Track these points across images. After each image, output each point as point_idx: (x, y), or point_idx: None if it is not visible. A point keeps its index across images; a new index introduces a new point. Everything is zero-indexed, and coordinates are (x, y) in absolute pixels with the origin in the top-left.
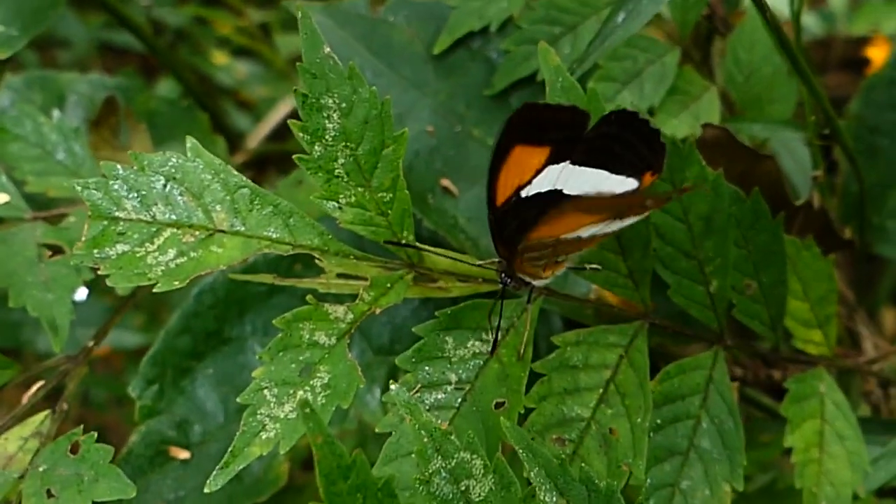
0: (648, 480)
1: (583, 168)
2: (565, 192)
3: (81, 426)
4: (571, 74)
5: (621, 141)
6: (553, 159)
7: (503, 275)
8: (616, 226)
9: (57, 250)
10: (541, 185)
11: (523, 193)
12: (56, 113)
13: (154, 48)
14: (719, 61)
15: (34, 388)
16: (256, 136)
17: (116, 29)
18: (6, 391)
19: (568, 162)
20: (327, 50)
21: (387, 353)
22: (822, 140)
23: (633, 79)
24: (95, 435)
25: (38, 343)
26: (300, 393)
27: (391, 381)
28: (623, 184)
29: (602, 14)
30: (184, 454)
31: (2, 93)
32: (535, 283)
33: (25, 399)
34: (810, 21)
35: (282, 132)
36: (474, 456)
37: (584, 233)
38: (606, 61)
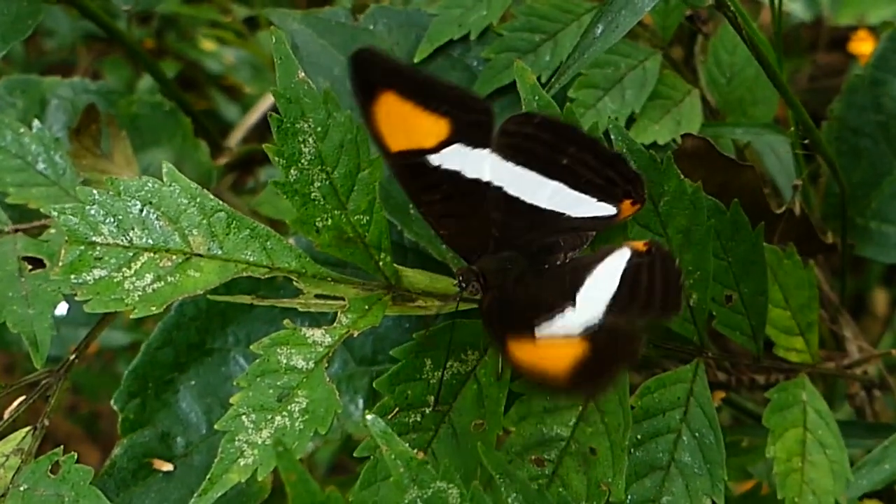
0: (629, 497)
1: (525, 171)
2: (510, 191)
3: (62, 447)
4: (551, 86)
5: (568, 154)
6: (461, 137)
7: (461, 279)
8: None
9: (37, 263)
10: (458, 163)
11: (433, 161)
12: (36, 123)
13: (131, 47)
14: (702, 59)
15: (15, 404)
16: (243, 127)
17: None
18: None
19: (495, 154)
20: (302, 74)
21: (369, 364)
22: (804, 148)
23: (614, 85)
24: (76, 455)
25: (24, 344)
26: (278, 419)
27: (368, 411)
28: (595, 207)
29: (582, 20)
30: (167, 467)
31: None
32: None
33: (6, 415)
34: (797, 7)
35: (268, 122)
36: (451, 485)
37: None
38: (588, 68)
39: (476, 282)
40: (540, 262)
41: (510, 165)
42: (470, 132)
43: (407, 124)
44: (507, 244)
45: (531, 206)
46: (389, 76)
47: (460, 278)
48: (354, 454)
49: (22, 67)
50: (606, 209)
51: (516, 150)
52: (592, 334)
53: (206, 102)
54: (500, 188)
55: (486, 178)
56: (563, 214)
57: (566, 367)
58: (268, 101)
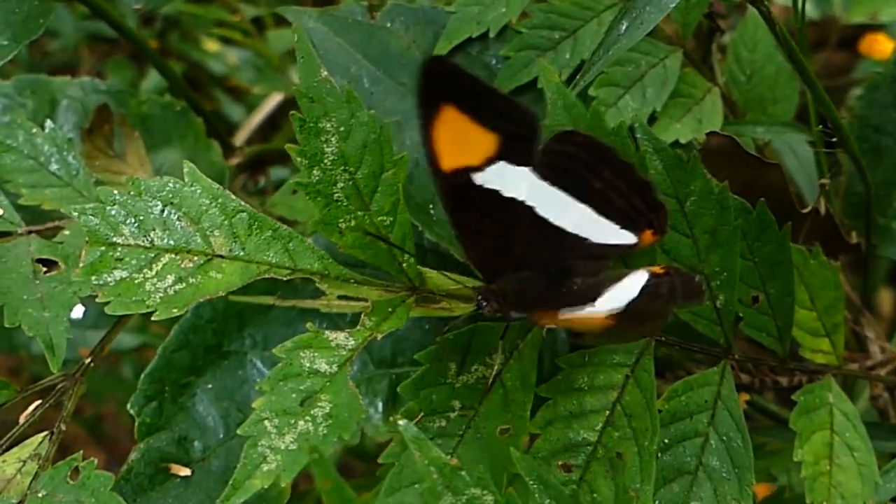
0: (657, 502)
1: (557, 191)
2: (540, 212)
3: (81, 452)
4: (575, 84)
5: (602, 179)
6: (507, 156)
7: (480, 297)
8: None
9: (52, 265)
10: (498, 181)
11: (477, 179)
12: (49, 123)
13: (137, 42)
14: (720, 58)
15: (31, 408)
16: (248, 128)
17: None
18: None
19: (530, 170)
20: (324, 73)
21: (389, 366)
22: (827, 146)
23: (635, 83)
24: (95, 461)
25: (34, 346)
26: (301, 423)
27: (398, 416)
28: (616, 234)
29: (602, 18)
30: (185, 471)
31: None
32: (513, 314)
33: (22, 419)
34: (807, 6)
35: (274, 121)
36: (485, 492)
37: None
38: (609, 66)
39: (495, 301)
40: (557, 284)
41: (546, 185)
42: (514, 149)
43: (461, 140)
44: (527, 264)
45: (556, 227)
46: (451, 88)
47: (479, 297)
48: (379, 460)
49: (26, 69)
50: (628, 237)
51: (555, 170)
52: (618, 314)
53: (211, 103)
54: (531, 208)
55: (521, 198)
56: (586, 239)
57: (598, 326)
58: (272, 101)
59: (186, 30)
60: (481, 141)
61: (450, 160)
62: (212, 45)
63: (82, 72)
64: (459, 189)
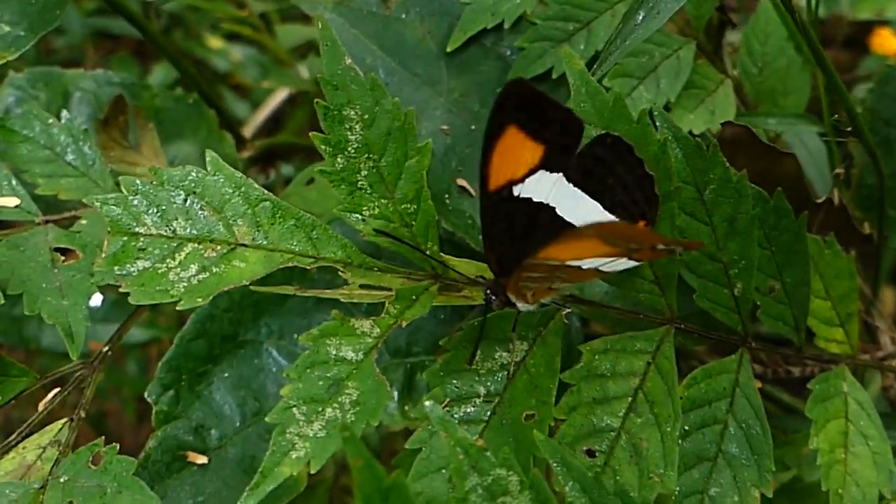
0: (677, 488)
1: (576, 190)
2: (558, 211)
3: (102, 437)
4: (592, 74)
5: (615, 175)
6: (547, 164)
7: (489, 291)
8: (615, 267)
9: (69, 254)
10: (533, 189)
11: (515, 191)
12: (65, 113)
13: (150, 36)
14: (730, 52)
15: (50, 395)
16: (253, 123)
17: (111, 15)
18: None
19: (562, 175)
20: (349, 61)
21: (404, 356)
22: (839, 136)
23: (648, 74)
24: (118, 447)
25: (43, 339)
26: (329, 411)
27: (426, 399)
28: None
29: (616, 9)
30: (201, 459)
31: (6, 90)
32: (520, 306)
33: (41, 406)
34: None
35: (277, 119)
36: (510, 472)
37: (587, 263)
38: (623, 57)
39: (504, 294)
40: None
41: (570, 187)
42: (555, 157)
43: (513, 157)
44: None
45: (566, 223)
46: (518, 108)
47: (488, 291)
48: (406, 445)
49: (33, 64)
50: None
51: (582, 172)
52: None
53: (215, 100)
54: (553, 209)
55: (546, 201)
56: None
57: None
58: (277, 98)
59: (190, 27)
60: (530, 154)
61: (496, 178)
62: (215, 42)
63: (87, 68)
64: (499, 203)
